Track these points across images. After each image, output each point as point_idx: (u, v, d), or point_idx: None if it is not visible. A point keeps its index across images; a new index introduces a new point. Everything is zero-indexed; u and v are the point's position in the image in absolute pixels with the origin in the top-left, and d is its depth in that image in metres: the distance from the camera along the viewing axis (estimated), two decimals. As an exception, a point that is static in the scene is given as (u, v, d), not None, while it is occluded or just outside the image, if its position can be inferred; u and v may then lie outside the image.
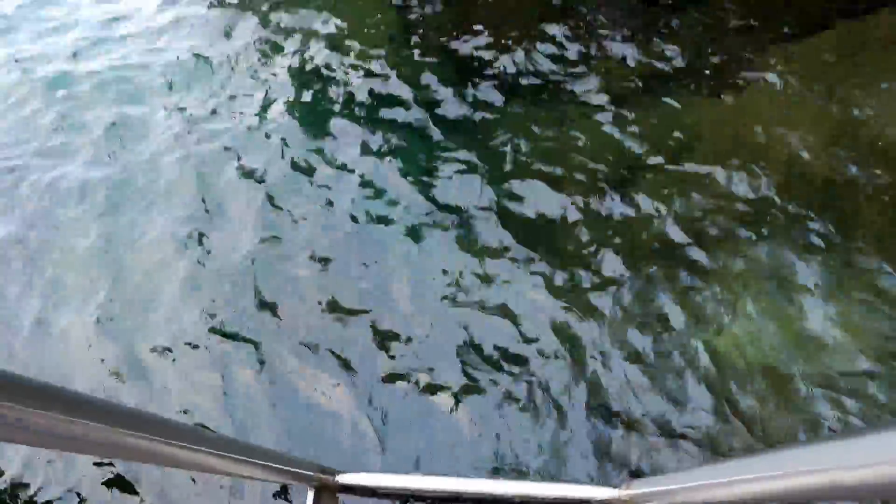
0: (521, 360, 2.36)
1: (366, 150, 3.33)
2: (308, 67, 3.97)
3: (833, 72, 3.32)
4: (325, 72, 3.89)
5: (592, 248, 2.70)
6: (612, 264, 2.63)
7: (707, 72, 3.49)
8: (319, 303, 2.64)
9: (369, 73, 3.82)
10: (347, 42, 4.11)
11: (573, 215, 2.85)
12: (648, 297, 2.49)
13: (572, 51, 3.74)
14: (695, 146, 3.09)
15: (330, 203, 3.06)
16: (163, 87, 3.99)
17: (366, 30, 4.23)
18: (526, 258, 2.71)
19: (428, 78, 3.71)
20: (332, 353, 2.46)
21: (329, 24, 4.29)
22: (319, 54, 4.04)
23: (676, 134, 3.15)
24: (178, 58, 4.20)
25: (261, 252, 2.86)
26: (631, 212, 2.84)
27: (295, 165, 3.29)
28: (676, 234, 2.71)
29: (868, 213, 2.67)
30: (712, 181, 2.90)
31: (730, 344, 2.30)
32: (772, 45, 3.55)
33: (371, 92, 3.69)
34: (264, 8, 4.58)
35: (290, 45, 4.20)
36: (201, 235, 3.01)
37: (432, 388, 2.31)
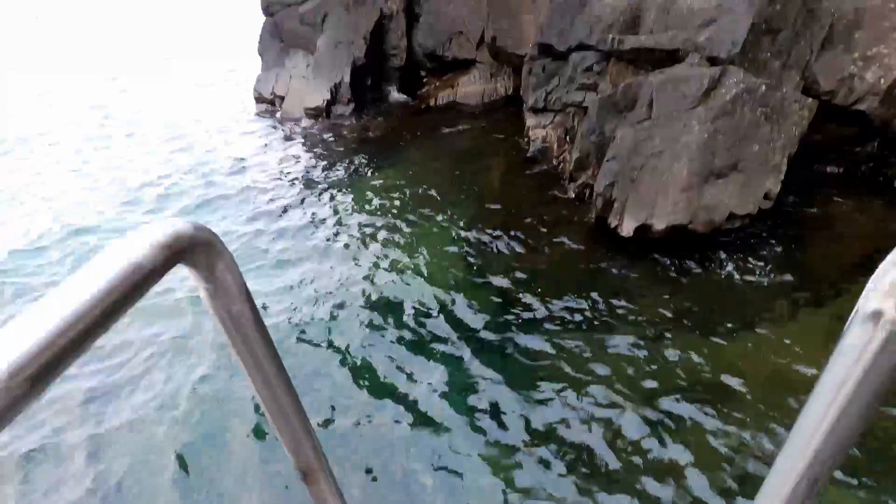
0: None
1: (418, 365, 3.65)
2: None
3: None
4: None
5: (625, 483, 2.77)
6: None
7: (729, 325, 3.74)
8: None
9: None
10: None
11: (603, 451, 2.94)
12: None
13: (604, 301, 4.12)
14: (723, 383, 3.26)
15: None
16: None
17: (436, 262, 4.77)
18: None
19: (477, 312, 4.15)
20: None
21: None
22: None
23: (704, 372, 3.35)
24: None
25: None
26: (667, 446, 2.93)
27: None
28: (699, 483, 2.76)
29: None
30: (743, 419, 3.02)
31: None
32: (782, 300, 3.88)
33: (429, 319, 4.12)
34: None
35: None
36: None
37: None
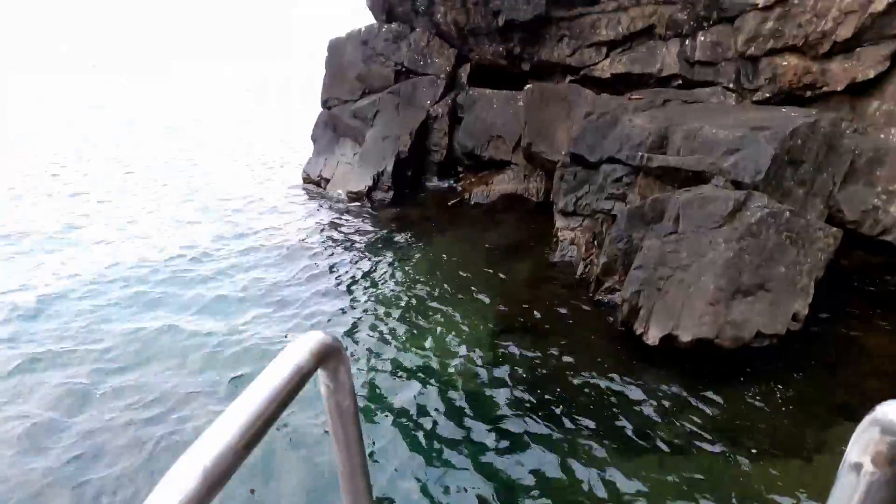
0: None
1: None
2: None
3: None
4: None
5: None
6: None
7: (752, 448, 3.60)
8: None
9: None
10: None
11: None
12: None
13: (622, 412, 4.04)
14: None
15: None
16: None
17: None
18: None
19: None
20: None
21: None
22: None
23: (721, 498, 3.23)
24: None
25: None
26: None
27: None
28: None
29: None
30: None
31: None
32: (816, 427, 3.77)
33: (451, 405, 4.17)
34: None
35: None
36: None
37: None
